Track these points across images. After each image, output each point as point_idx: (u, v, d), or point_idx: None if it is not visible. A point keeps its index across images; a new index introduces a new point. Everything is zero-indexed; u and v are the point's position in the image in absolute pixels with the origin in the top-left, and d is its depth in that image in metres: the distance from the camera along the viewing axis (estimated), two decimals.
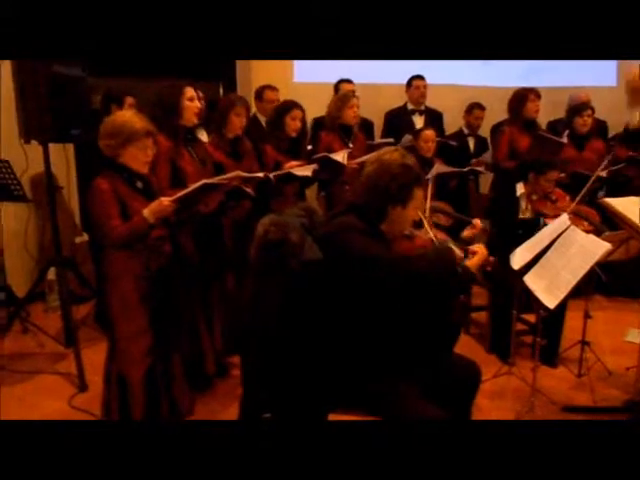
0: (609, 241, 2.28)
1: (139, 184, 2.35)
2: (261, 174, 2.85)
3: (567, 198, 3.38)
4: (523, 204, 3.37)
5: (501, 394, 2.93)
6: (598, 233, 3.10)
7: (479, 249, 2.00)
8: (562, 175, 3.89)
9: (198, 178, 2.48)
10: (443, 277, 1.84)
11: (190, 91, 2.70)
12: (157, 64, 3.96)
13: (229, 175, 2.58)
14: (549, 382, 3.05)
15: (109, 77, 3.95)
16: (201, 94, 3.71)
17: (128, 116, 2.34)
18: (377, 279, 1.78)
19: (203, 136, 3.23)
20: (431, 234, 2.38)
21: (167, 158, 2.59)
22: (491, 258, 2.62)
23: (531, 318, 3.37)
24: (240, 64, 5.01)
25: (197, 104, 2.73)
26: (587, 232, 3.15)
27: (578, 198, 3.20)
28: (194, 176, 2.61)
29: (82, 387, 2.96)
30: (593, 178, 3.25)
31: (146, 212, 2.27)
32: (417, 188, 1.94)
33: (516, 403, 2.82)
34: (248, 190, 2.73)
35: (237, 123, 3.01)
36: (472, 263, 1.93)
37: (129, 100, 3.59)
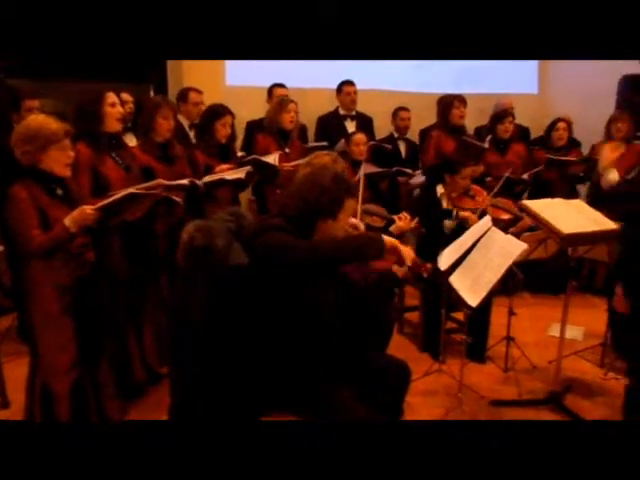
0: (527, 241, 2.40)
1: (59, 191, 2.27)
2: (186, 181, 2.80)
3: (484, 193, 3.57)
4: (444, 203, 3.54)
5: (432, 391, 3.01)
6: (516, 220, 3.30)
7: (405, 252, 2.01)
8: (488, 179, 4.10)
9: (123, 184, 2.43)
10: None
11: (111, 97, 2.62)
12: (84, 64, 3.85)
13: (150, 183, 2.52)
14: (477, 378, 3.16)
15: (30, 78, 3.80)
16: (128, 97, 3.64)
17: (41, 119, 2.25)
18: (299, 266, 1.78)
19: (131, 141, 3.14)
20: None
21: (88, 166, 2.52)
22: (428, 265, 2.70)
23: (461, 317, 3.50)
24: (171, 66, 4.92)
25: (119, 109, 2.65)
26: (507, 220, 3.39)
27: (495, 190, 3.51)
28: (118, 183, 2.55)
29: (4, 404, 2.84)
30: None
31: (67, 221, 2.19)
32: (348, 199, 1.94)
33: (446, 400, 2.92)
34: (176, 199, 2.68)
35: (165, 126, 2.95)
36: (398, 269, 1.97)
37: (29, 104, 3.41)
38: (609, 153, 2.29)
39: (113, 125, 2.64)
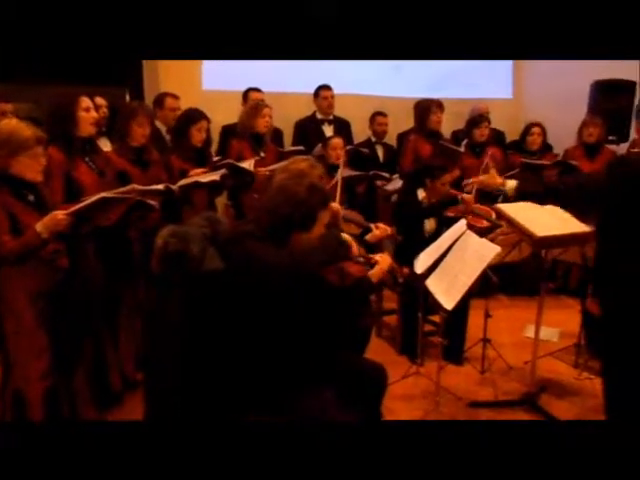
0: (501, 244, 2.43)
1: (30, 197, 2.24)
2: (161, 186, 2.78)
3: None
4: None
5: (410, 394, 3.03)
6: (494, 228, 3.35)
7: (381, 258, 2.04)
8: (467, 185, 4.14)
9: (97, 190, 2.40)
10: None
11: (85, 101, 2.60)
12: (59, 67, 3.79)
13: (124, 188, 2.50)
14: (455, 379, 3.19)
15: (3, 82, 3.74)
16: (102, 102, 3.59)
17: (14, 124, 2.22)
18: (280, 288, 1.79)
19: (106, 146, 3.10)
20: None
21: (61, 171, 2.49)
22: (405, 270, 2.72)
23: (439, 319, 3.53)
24: (147, 69, 4.88)
25: (93, 114, 2.63)
26: (485, 228, 3.44)
27: (472, 194, 3.53)
28: (92, 188, 2.53)
29: None
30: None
31: (39, 226, 2.15)
32: (322, 212, 1.92)
33: (424, 402, 2.93)
34: (152, 202, 2.65)
35: (140, 132, 2.93)
36: (373, 274, 1.98)
37: (1, 107, 3.35)
38: (492, 176, 2.41)
39: (87, 129, 2.61)
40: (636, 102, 4.62)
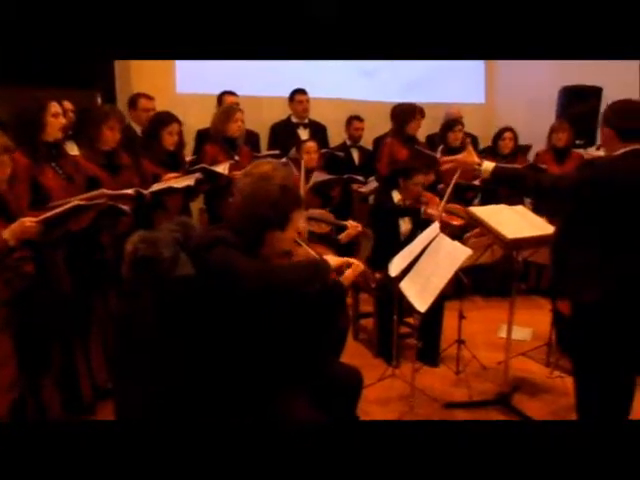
0: (474, 247, 2.46)
1: None
2: (131, 190, 2.74)
3: (437, 199, 3.65)
4: None
5: (386, 397, 3.03)
6: (468, 226, 3.38)
7: (354, 262, 2.04)
8: (441, 186, 4.18)
9: (64, 195, 2.35)
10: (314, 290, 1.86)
11: (54, 106, 2.55)
12: (29, 69, 3.72)
13: (94, 193, 2.45)
14: (430, 381, 3.21)
15: None
16: (69, 106, 3.53)
17: None
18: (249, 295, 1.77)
19: (73, 150, 3.04)
20: (312, 252, 2.40)
21: (26, 176, 2.43)
22: (377, 275, 2.72)
23: (415, 321, 3.55)
24: (120, 72, 4.81)
25: (62, 120, 2.59)
26: (459, 226, 3.47)
27: (445, 198, 3.46)
28: (59, 193, 2.47)
29: None
30: None
31: (6, 234, 2.10)
32: (296, 212, 1.91)
33: (399, 404, 2.94)
34: (124, 207, 2.61)
35: (110, 136, 2.88)
36: (345, 277, 1.97)
37: None
38: (470, 153, 2.41)
39: (55, 134, 2.56)
40: (602, 107, 4.72)
